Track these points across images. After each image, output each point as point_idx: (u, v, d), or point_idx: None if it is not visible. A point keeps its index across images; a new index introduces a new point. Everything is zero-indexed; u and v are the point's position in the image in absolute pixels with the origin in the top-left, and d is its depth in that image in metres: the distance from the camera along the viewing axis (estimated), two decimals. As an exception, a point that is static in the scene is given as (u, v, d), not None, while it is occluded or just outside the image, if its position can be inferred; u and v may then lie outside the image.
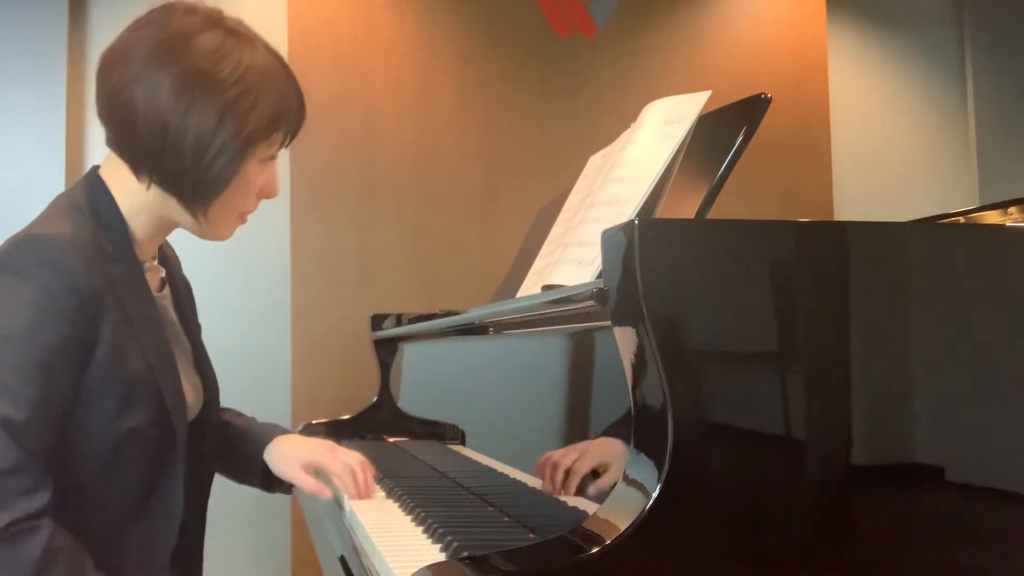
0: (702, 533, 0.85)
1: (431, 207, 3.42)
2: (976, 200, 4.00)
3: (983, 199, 3.96)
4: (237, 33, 1.23)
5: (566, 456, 1.17)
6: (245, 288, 3.33)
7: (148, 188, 1.23)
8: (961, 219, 1.94)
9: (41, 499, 1.08)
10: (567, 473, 1.15)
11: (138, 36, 1.20)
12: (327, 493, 1.45)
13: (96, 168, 1.29)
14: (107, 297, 1.16)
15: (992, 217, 1.88)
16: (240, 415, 1.63)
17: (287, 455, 1.47)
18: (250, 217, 1.32)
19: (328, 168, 3.31)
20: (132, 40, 1.20)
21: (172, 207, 1.25)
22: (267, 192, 1.30)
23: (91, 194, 1.24)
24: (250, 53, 1.22)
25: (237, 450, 1.53)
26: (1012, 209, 1.82)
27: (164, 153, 1.18)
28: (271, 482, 1.52)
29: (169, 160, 1.19)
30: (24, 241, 1.15)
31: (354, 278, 3.30)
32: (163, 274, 1.37)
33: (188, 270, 1.50)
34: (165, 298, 1.37)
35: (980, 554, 0.91)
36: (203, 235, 1.31)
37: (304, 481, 1.45)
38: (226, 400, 1.57)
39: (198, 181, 1.20)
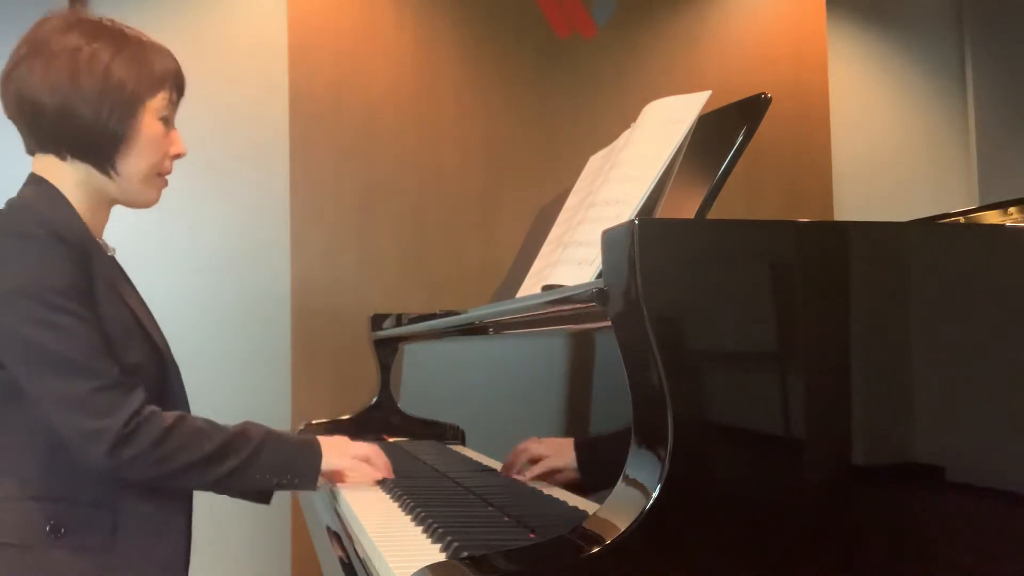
0: (702, 533, 0.85)
1: (431, 207, 3.41)
2: (976, 200, 4.00)
3: (983, 199, 3.96)
4: (103, 25, 1.43)
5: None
6: (245, 288, 3.33)
7: (67, 160, 1.42)
8: (961, 219, 1.94)
9: (141, 395, 1.30)
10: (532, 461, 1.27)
11: (20, 49, 1.43)
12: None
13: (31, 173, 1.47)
14: (88, 251, 1.34)
15: (992, 217, 1.87)
16: None
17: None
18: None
19: (328, 168, 3.31)
20: (18, 53, 1.42)
21: (93, 176, 1.43)
22: (175, 151, 1.48)
23: (32, 185, 1.43)
24: (119, 32, 1.43)
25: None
26: (1012, 209, 1.82)
27: (70, 125, 1.38)
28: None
29: (75, 130, 1.39)
30: (13, 209, 1.37)
31: (354, 278, 3.30)
32: (112, 253, 1.48)
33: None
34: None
35: (980, 554, 0.91)
36: (131, 199, 1.46)
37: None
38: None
39: (100, 138, 1.39)
